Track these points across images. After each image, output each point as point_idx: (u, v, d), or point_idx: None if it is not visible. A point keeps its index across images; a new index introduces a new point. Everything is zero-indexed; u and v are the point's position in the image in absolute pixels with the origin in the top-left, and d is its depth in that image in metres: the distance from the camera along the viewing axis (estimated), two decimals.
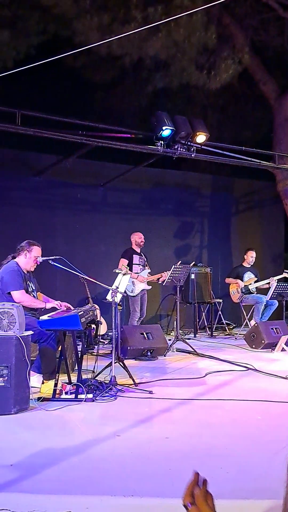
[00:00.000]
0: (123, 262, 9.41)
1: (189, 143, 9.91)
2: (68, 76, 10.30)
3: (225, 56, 10.90)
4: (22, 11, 9.38)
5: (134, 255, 9.76)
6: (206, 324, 11.76)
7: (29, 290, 6.28)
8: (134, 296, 9.55)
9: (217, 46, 10.79)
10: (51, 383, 5.82)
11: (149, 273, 9.80)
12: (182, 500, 1.51)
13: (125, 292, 8.00)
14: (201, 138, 9.85)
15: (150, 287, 9.86)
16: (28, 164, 10.72)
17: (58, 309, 6.26)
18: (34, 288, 6.43)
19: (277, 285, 10.19)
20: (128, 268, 7.43)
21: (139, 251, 9.89)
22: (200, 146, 10.06)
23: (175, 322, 9.42)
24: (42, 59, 6.48)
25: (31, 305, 6.05)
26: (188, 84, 11.04)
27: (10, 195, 10.31)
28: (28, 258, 6.29)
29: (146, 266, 9.89)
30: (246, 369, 7.52)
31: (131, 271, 9.35)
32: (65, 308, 6.35)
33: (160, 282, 9.82)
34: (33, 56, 9.33)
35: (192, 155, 10.09)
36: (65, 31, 9.67)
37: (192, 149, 10.01)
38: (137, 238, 9.90)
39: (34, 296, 6.33)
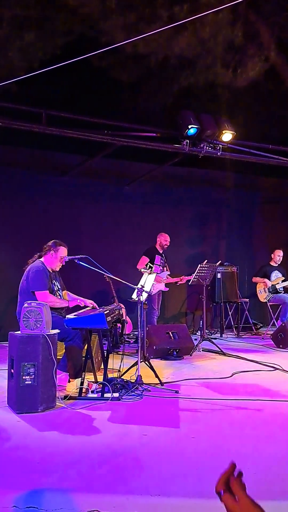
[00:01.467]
0: (145, 260, 9.41)
1: (215, 141, 9.86)
2: (93, 76, 10.30)
3: (252, 53, 10.81)
4: (48, 12, 9.41)
5: (156, 255, 9.74)
6: (232, 323, 11.69)
7: (55, 289, 6.30)
8: (152, 294, 9.51)
9: (243, 44, 10.71)
10: (77, 381, 5.84)
11: (168, 275, 9.77)
12: (215, 487, 1.49)
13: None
14: (227, 136, 9.79)
15: (167, 289, 9.84)
16: (54, 164, 10.76)
17: (82, 307, 6.29)
18: (59, 287, 6.44)
19: None
20: (152, 268, 7.40)
21: (161, 252, 9.86)
22: (226, 144, 10.00)
23: (201, 321, 9.38)
24: (68, 59, 6.49)
25: (54, 305, 6.06)
26: (214, 82, 10.97)
27: (36, 195, 10.37)
28: (54, 258, 6.31)
29: (165, 267, 9.86)
30: (273, 369, 7.46)
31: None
32: (91, 306, 6.37)
33: (177, 285, 9.82)
34: (59, 56, 9.35)
35: (218, 154, 10.04)
36: (91, 31, 9.68)
37: (218, 148, 9.96)
38: (163, 240, 9.88)
39: (59, 296, 6.34)
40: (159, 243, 9.88)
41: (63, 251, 6.37)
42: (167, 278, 9.72)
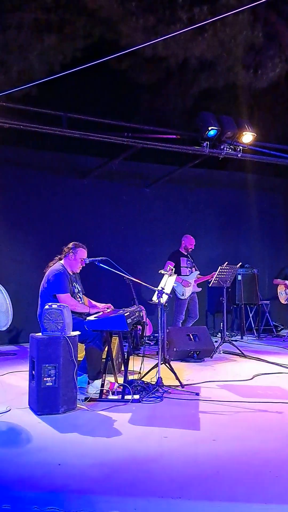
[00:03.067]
0: (170, 265, 9.36)
1: (235, 143, 9.83)
2: (113, 78, 10.34)
3: (272, 54, 10.77)
4: (68, 15, 9.47)
5: (181, 258, 9.66)
6: (253, 325, 11.63)
7: (75, 291, 6.31)
8: (183, 299, 9.46)
9: (263, 45, 10.67)
10: (98, 383, 5.85)
11: (198, 274, 9.70)
12: None
13: (172, 294, 7.92)
14: (247, 138, 9.75)
15: (200, 289, 9.79)
16: (74, 167, 10.79)
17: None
18: (80, 289, 6.45)
19: None
20: (174, 270, 7.36)
21: (186, 254, 9.78)
22: (246, 146, 9.96)
23: (221, 323, 9.34)
24: (88, 62, 6.52)
25: (75, 309, 6.06)
26: (234, 84, 10.95)
27: (56, 198, 10.41)
28: (73, 260, 6.32)
29: (194, 267, 9.80)
30: None
31: (180, 275, 9.28)
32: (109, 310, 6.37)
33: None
34: (79, 59, 9.40)
35: (239, 155, 10.00)
36: (110, 34, 9.71)
37: (238, 149, 9.92)
38: (188, 244, 9.69)
39: (79, 298, 6.35)
40: (184, 246, 9.76)
41: (82, 252, 6.37)
42: (197, 277, 9.66)
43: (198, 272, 9.71)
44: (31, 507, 3.18)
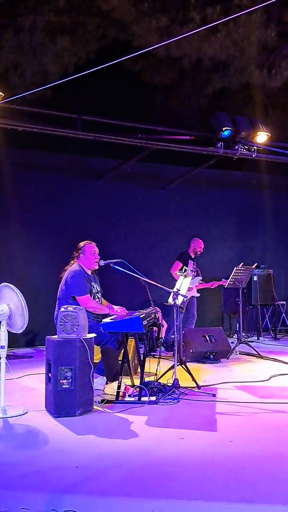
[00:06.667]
0: (178, 265, 9.23)
1: (249, 143, 9.80)
2: (127, 80, 10.35)
3: (285, 54, 10.73)
4: (82, 17, 9.50)
5: (189, 261, 9.50)
6: (269, 326, 11.58)
7: (94, 291, 6.29)
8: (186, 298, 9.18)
9: (277, 44, 10.63)
10: (114, 385, 5.85)
11: (200, 280, 9.54)
12: None
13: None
14: (261, 137, 9.71)
15: (198, 294, 9.56)
16: (89, 169, 10.81)
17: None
18: (98, 289, 6.42)
19: None
20: (188, 271, 7.29)
21: (193, 257, 9.61)
22: (261, 146, 9.92)
23: (237, 324, 9.30)
24: (102, 64, 6.53)
25: (95, 311, 6.06)
26: (248, 84, 10.92)
27: (71, 200, 10.43)
28: (86, 258, 6.30)
29: (197, 272, 9.63)
30: None
31: None
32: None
33: (212, 288, 9.55)
34: (93, 61, 9.43)
35: (253, 155, 9.97)
36: (124, 35, 9.73)
37: (253, 149, 9.89)
38: (197, 247, 9.52)
39: (98, 298, 6.33)
40: (193, 248, 9.60)
41: (90, 247, 6.33)
42: (199, 283, 9.56)
43: (201, 278, 9.56)
44: (49, 509, 3.18)
